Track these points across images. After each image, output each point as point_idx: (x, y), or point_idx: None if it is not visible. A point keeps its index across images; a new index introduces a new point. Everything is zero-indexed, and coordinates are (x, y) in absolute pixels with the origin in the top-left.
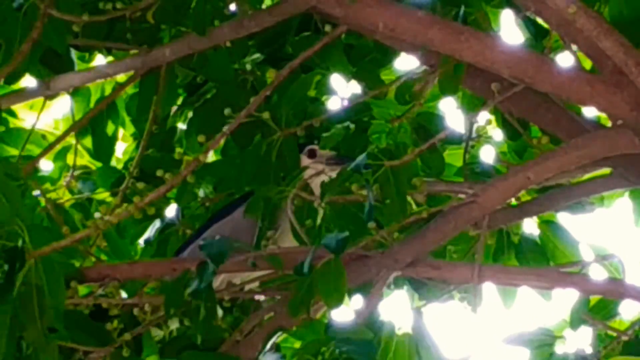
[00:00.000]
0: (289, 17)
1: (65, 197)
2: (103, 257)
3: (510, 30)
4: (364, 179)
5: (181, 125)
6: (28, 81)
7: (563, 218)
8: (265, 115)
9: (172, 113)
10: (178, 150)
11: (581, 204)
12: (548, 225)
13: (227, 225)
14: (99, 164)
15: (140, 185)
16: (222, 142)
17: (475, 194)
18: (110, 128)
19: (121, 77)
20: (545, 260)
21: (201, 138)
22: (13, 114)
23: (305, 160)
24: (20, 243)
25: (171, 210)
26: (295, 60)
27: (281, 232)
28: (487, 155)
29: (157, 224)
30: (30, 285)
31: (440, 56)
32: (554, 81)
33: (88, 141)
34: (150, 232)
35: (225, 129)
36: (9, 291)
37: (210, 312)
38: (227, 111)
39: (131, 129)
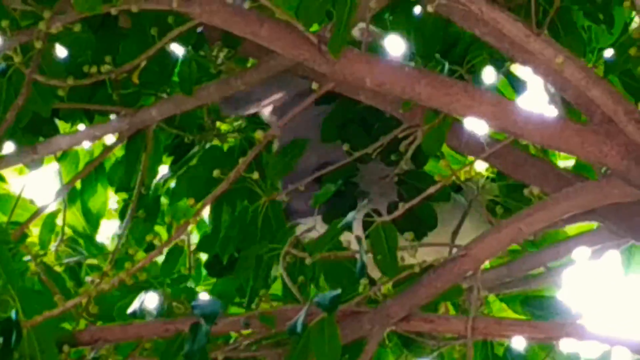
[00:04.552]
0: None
1: (54, 262)
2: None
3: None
4: (355, 235)
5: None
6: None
7: None
8: (255, 175)
9: (155, 182)
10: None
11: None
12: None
13: None
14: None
15: (132, 250)
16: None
17: (467, 247)
18: (99, 191)
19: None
20: None
21: (190, 201)
22: (1, 179)
23: None
24: (12, 313)
25: None
26: (283, 119)
27: None
28: None
29: (142, 296)
30: (23, 355)
31: (425, 114)
32: (544, 132)
33: (78, 204)
34: (136, 304)
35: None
36: None
37: None
38: (215, 172)
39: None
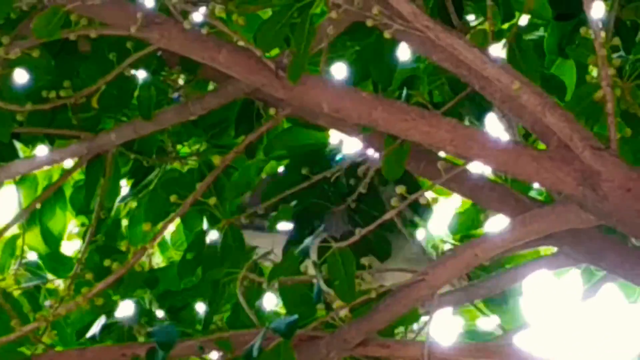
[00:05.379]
0: (232, 101)
1: (13, 287)
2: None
3: None
4: (312, 260)
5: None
6: None
7: None
8: (212, 200)
9: (116, 205)
10: (123, 243)
11: None
12: None
13: None
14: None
15: (89, 275)
16: None
17: (424, 272)
18: (58, 215)
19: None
20: None
21: (146, 226)
22: None
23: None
24: None
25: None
26: (241, 145)
27: None
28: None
29: (102, 319)
30: None
31: (384, 138)
32: (500, 158)
33: (37, 228)
34: (95, 328)
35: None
36: None
37: None
38: (173, 197)
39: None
